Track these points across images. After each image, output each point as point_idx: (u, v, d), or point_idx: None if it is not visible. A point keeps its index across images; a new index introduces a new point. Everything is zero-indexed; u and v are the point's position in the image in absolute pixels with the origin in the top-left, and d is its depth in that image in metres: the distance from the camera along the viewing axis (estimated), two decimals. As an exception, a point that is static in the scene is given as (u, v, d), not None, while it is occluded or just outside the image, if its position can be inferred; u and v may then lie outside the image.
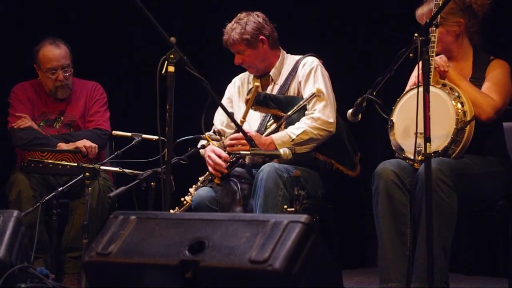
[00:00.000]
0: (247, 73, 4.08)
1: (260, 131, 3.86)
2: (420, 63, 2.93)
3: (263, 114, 3.89)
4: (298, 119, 3.78)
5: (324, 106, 3.77)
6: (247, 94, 3.84)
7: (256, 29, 3.89)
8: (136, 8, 2.93)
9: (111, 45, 5.25)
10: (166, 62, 2.93)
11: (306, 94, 3.83)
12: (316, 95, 3.77)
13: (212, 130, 4.05)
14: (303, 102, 3.80)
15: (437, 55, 3.47)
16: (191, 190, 3.81)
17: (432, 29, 3.28)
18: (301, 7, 4.98)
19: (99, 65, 5.11)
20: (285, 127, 3.79)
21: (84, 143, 4.20)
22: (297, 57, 3.99)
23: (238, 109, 4.01)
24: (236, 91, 4.08)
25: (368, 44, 5.03)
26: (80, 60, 4.55)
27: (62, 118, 4.44)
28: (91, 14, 5.21)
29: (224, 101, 4.10)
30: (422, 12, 3.56)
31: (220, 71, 4.93)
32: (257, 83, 3.85)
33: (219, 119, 4.07)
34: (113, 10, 5.10)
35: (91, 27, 5.21)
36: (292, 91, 3.90)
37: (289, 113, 3.80)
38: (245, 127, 3.87)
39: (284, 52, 4.02)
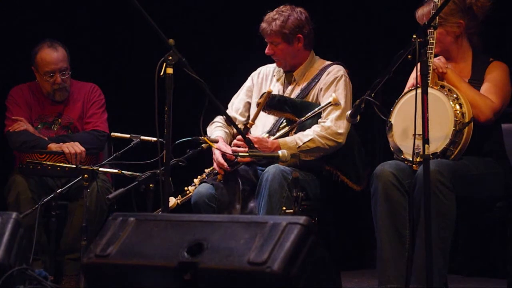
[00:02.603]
0: (274, 65, 4.05)
1: (272, 132, 3.86)
2: (419, 64, 2.93)
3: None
4: (310, 126, 3.77)
5: (338, 117, 3.75)
6: (259, 98, 3.83)
7: (296, 26, 3.85)
8: (135, 9, 2.93)
9: (110, 47, 5.25)
10: (164, 64, 2.93)
11: (323, 102, 3.81)
12: (332, 104, 3.75)
13: (223, 116, 4.04)
14: (318, 110, 3.78)
15: (436, 56, 3.48)
16: (195, 180, 3.82)
17: (430, 30, 3.28)
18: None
19: (98, 66, 5.10)
20: (296, 132, 3.79)
21: (70, 147, 4.18)
22: (325, 63, 3.96)
23: (254, 111, 3.99)
24: (259, 82, 4.05)
25: (367, 45, 5.03)
26: (78, 62, 4.54)
27: (59, 120, 4.43)
28: (89, 15, 5.21)
29: (244, 89, 4.10)
30: (422, 13, 3.56)
31: (219, 72, 4.95)
32: (269, 89, 3.83)
33: (236, 106, 4.05)
34: (111, 11, 5.10)
35: (89, 28, 5.20)
36: (312, 96, 3.88)
37: (302, 118, 3.79)
38: (259, 125, 3.87)
39: (314, 54, 3.99)
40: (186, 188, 3.79)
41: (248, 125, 3.81)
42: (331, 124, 3.73)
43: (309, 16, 3.93)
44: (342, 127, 3.74)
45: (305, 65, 3.95)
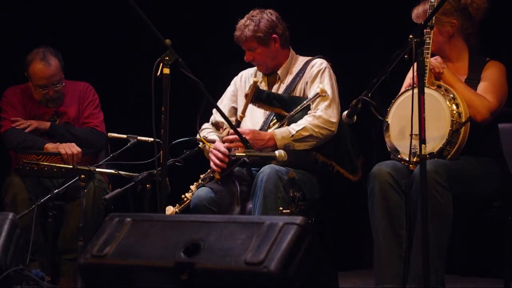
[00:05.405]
0: (254, 68, 4.07)
1: (263, 129, 3.86)
2: (415, 64, 2.93)
3: (267, 113, 3.89)
4: (301, 119, 3.78)
5: (327, 106, 3.76)
6: (247, 90, 3.84)
7: (269, 27, 3.88)
8: (132, 9, 2.93)
9: (106, 46, 5.24)
10: (161, 64, 2.93)
11: (310, 94, 3.83)
12: (320, 95, 3.77)
13: (210, 122, 4.05)
14: (307, 102, 3.79)
15: (432, 55, 3.48)
16: (192, 187, 3.81)
17: (427, 30, 3.28)
18: (296, 6, 4.98)
19: (94, 66, 5.10)
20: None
21: (67, 148, 4.17)
22: (306, 58, 3.98)
23: (242, 105, 3.99)
24: (243, 86, 4.06)
25: (364, 44, 5.03)
26: (74, 61, 4.53)
27: (57, 119, 4.41)
28: (86, 15, 5.20)
29: (227, 95, 4.10)
30: (417, 13, 3.57)
31: (216, 73, 4.94)
32: (255, 79, 3.85)
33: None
34: (108, 10, 5.09)
35: (86, 28, 5.20)
36: (298, 92, 3.90)
37: (292, 112, 3.80)
38: (248, 124, 3.87)
39: (294, 52, 4.02)
40: (183, 195, 3.78)
41: (239, 118, 3.82)
42: (322, 113, 3.74)
43: (280, 16, 3.95)
44: (333, 116, 3.75)
45: (288, 62, 3.97)
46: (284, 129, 3.75)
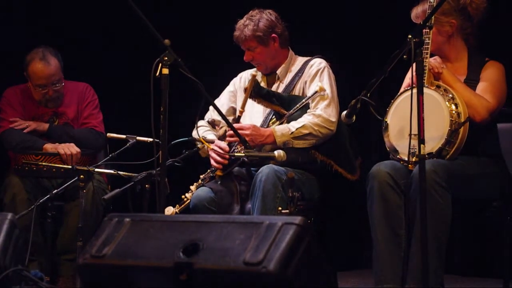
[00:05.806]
0: (254, 69, 4.07)
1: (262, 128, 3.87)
2: (414, 64, 2.93)
3: (266, 111, 3.90)
4: (300, 117, 3.79)
5: (327, 105, 3.77)
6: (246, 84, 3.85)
7: (269, 26, 3.90)
8: (131, 9, 2.93)
9: (106, 46, 5.24)
10: (160, 64, 2.93)
11: (309, 93, 3.83)
12: (319, 93, 3.77)
13: (206, 120, 4.05)
14: (306, 100, 3.80)
15: (431, 55, 3.48)
16: (192, 187, 3.82)
17: (426, 30, 3.28)
18: (296, 6, 4.98)
19: (94, 66, 5.10)
20: None
21: (66, 148, 4.17)
22: (305, 58, 4.00)
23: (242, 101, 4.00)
24: (242, 86, 4.07)
25: (364, 44, 5.03)
26: (73, 61, 4.52)
27: (56, 119, 4.41)
28: (85, 15, 5.20)
29: (225, 93, 4.11)
30: (417, 13, 3.57)
31: (215, 73, 4.95)
32: (254, 73, 3.85)
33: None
34: (108, 10, 5.09)
35: (86, 28, 5.20)
36: (297, 91, 3.91)
37: (291, 111, 3.80)
38: (247, 121, 3.87)
39: (293, 52, 4.03)
40: (183, 196, 3.78)
41: (238, 113, 3.83)
42: (322, 112, 3.75)
43: (279, 16, 3.97)
44: (332, 115, 3.76)
45: (287, 62, 3.99)
46: (284, 126, 3.76)
